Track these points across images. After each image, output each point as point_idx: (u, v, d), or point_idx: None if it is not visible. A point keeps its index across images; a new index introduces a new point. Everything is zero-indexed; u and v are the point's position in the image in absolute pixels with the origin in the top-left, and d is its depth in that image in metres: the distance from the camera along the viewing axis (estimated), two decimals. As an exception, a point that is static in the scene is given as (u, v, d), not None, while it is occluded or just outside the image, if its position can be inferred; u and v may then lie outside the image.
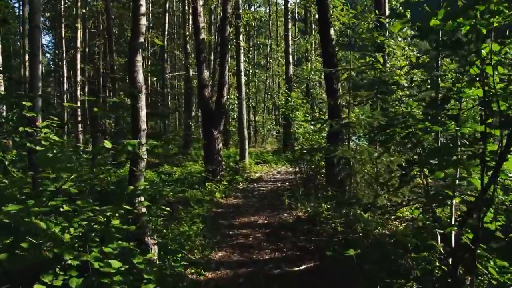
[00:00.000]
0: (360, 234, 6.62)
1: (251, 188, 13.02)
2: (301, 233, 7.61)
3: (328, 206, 7.65)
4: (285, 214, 9.10)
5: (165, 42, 26.32)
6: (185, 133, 23.65)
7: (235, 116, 22.69)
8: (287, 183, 13.87)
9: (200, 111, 13.82)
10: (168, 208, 7.81)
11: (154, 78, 34.88)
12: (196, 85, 17.34)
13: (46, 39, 47.12)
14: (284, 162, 19.31)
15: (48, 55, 42.61)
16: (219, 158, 12.89)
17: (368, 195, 7.15)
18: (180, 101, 40.15)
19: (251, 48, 33.31)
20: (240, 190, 12.59)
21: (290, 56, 23.32)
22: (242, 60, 16.97)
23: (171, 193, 10.55)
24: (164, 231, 7.08)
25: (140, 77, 5.64)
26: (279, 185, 13.75)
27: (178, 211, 9.16)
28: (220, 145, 13.01)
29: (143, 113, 5.62)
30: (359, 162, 7.11)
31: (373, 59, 8.44)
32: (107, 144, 6.29)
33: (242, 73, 16.92)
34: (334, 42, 8.97)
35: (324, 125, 7.28)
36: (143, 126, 5.63)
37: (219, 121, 12.86)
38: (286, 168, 17.90)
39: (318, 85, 28.63)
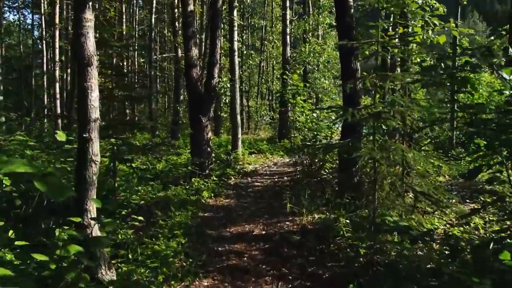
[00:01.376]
0: (393, 258, 5.00)
1: (244, 184, 11.35)
2: (309, 251, 5.97)
3: (347, 221, 5.97)
4: (287, 222, 7.45)
5: (152, 21, 24.48)
6: (173, 118, 21.91)
7: (227, 100, 20.91)
8: (285, 178, 12.22)
9: (187, 94, 12.08)
10: (141, 218, 6.17)
11: (142, 60, 33.01)
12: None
13: (30, 19, 44.80)
14: (281, 152, 17.67)
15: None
16: (208, 149, 11.17)
17: (399, 206, 5.50)
18: (169, 84, 38.37)
19: (245, 29, 31.38)
20: (232, 187, 10.90)
21: (288, 37, 21.53)
22: (236, 39, 15.17)
23: (147, 195, 8.85)
24: (130, 255, 5.37)
25: (90, 44, 3.89)
26: (276, 179, 12.09)
27: (156, 216, 7.48)
28: (210, 134, 11.28)
29: (94, 96, 3.90)
30: (388, 164, 5.45)
31: (410, 30, 6.76)
32: (61, 136, 4.58)
33: (236, 53, 15.12)
34: (352, 11, 7.24)
35: (345, 115, 5.54)
36: (94, 114, 3.91)
37: (208, 107, 11.11)
38: (283, 159, 16.26)
39: (316, 69, 26.90)
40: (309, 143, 10.46)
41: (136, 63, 29.53)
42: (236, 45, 15.05)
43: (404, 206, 5.41)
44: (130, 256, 5.23)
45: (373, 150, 5.30)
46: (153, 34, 25.32)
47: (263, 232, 7.06)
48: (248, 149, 17.21)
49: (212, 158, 11.48)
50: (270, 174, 13.13)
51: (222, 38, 19.69)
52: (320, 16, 25.62)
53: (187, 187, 9.89)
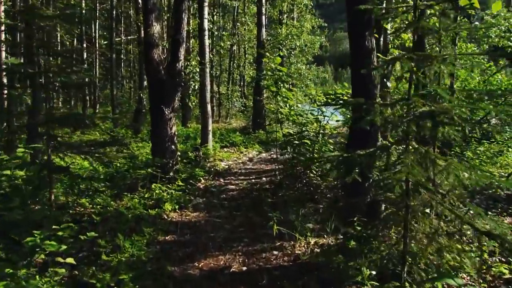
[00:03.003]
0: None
1: (216, 188, 9.48)
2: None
3: (373, 273, 4.15)
4: (275, 252, 5.64)
5: (114, -2, 22.30)
6: (136, 107, 19.76)
7: (196, 87, 18.86)
8: (264, 179, 10.45)
9: (147, 80, 10.02)
10: (70, 260, 4.27)
11: (105, 42, 30.46)
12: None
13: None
14: (256, 145, 15.88)
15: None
16: (173, 147, 9.22)
17: (451, 253, 3.75)
18: (136, 68, 35.94)
19: (216, 7, 29.17)
20: (202, 193, 9.02)
21: (264, 18, 19.55)
22: (206, 16, 13.14)
23: (95, 209, 6.87)
24: None
25: None
26: (253, 181, 10.30)
27: (99, 246, 5.54)
28: (174, 128, 9.33)
29: None
30: (433, 187, 3.68)
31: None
32: None
33: (206, 32, 13.11)
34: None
35: (369, 114, 3.68)
36: None
37: (172, 95, 9.12)
38: (260, 154, 14.48)
39: (291, 53, 25.15)
40: (297, 142, 8.64)
41: (97, 45, 27.07)
42: (206, 23, 13.04)
43: (466, 257, 3.66)
44: None
45: (413, 167, 3.52)
46: (114, 13, 22.97)
47: (244, 268, 5.22)
48: (219, 142, 15.37)
49: (177, 157, 9.54)
50: (246, 173, 11.32)
51: (189, 14, 17.62)
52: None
53: (146, 195, 7.96)
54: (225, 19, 32.53)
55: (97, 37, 27.28)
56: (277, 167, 10.23)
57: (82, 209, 7.24)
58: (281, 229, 6.03)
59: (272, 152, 13.28)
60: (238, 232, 6.54)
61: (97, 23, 27.09)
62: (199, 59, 13.71)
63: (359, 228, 4.71)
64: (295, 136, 8.86)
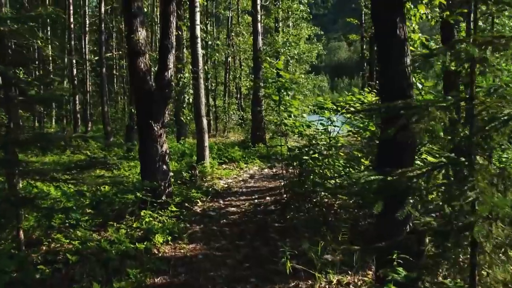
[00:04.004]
0: None
1: (216, 212, 8.39)
2: None
3: None
4: (290, 297, 4.54)
5: (102, 9, 21.46)
6: (127, 124, 18.74)
7: (191, 100, 17.78)
8: (268, 198, 9.39)
9: (133, 93, 8.93)
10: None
11: (96, 57, 29.51)
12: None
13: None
14: (256, 159, 14.78)
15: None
16: (164, 167, 8.13)
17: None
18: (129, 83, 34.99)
19: (209, 17, 28.29)
20: (199, 219, 7.92)
21: (259, 25, 18.59)
22: (198, 22, 12.13)
23: (74, 246, 5.77)
24: None
25: None
26: (257, 201, 9.25)
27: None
28: (165, 146, 8.25)
29: None
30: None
31: None
32: None
33: (199, 40, 12.08)
34: None
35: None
36: None
37: (161, 108, 8.06)
38: (261, 170, 13.42)
39: (289, 62, 24.22)
40: (306, 157, 7.59)
41: (86, 57, 26.08)
42: (198, 30, 12.03)
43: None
44: None
45: (491, 194, 2.46)
46: (103, 26, 22.14)
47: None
48: (217, 158, 14.25)
49: (170, 178, 8.44)
50: (248, 192, 10.25)
51: (182, 21, 16.63)
52: (294, 2, 22.87)
53: (134, 224, 6.87)
54: (219, 29, 31.70)
55: (87, 52, 26.35)
56: (282, 184, 9.20)
57: (58, 245, 6.15)
58: (295, 265, 4.94)
59: (276, 168, 12.25)
60: (243, 269, 5.44)
61: (87, 38, 26.18)
62: (192, 68, 12.68)
63: (401, 269, 3.62)
64: (303, 150, 7.79)
